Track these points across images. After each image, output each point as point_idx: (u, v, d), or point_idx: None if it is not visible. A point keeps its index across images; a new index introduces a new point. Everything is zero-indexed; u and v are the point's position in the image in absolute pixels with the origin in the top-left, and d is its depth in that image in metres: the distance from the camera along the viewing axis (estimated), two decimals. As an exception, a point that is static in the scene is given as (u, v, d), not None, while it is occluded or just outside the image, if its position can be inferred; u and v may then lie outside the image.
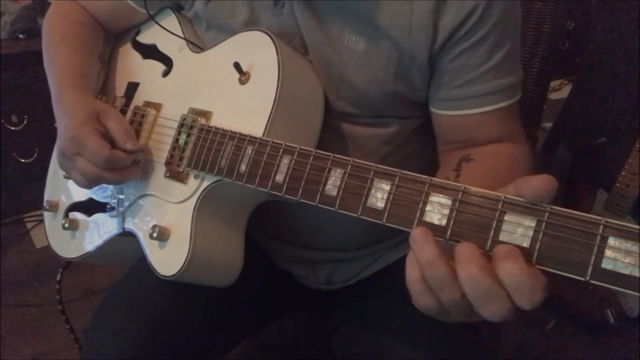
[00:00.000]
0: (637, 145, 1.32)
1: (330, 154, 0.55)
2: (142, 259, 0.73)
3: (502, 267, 0.41)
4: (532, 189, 0.42)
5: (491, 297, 0.42)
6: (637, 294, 0.38)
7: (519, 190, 0.43)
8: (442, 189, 0.47)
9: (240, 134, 0.63)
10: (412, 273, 0.46)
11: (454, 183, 0.47)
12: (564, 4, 0.95)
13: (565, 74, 2.72)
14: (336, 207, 0.53)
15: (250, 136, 0.62)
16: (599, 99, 1.74)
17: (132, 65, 0.87)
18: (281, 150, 0.59)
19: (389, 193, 0.49)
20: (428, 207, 0.47)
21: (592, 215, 0.41)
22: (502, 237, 0.43)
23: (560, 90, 2.71)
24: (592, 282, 0.40)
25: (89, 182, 0.71)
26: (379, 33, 0.66)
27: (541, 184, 0.42)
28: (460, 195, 0.46)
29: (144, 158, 0.76)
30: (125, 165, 0.71)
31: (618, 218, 1.37)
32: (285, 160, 0.58)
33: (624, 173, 1.35)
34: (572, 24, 2.46)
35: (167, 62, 0.81)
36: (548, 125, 2.07)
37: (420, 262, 0.45)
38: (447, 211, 0.46)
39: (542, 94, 1.00)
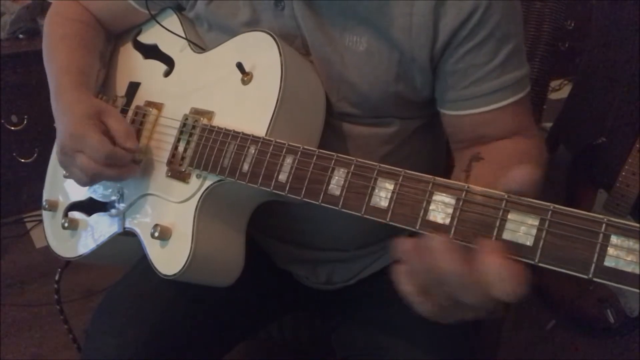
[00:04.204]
0: (637, 145, 1.32)
1: (333, 153, 0.55)
2: (142, 259, 0.73)
3: (486, 261, 0.42)
4: (517, 182, 0.44)
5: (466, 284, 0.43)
6: (639, 291, 0.39)
7: (506, 187, 0.45)
8: (445, 188, 0.47)
9: (243, 133, 0.63)
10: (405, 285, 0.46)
11: (457, 182, 0.47)
12: (564, 4, 0.95)
13: (565, 74, 2.72)
14: (339, 207, 0.53)
15: (253, 136, 0.62)
16: (599, 99, 1.73)
17: (133, 65, 0.87)
18: (284, 150, 0.59)
19: (393, 192, 0.49)
20: (432, 207, 0.47)
21: (594, 214, 0.41)
22: (506, 235, 0.44)
23: (560, 90, 2.71)
24: (594, 279, 0.40)
25: (89, 179, 0.71)
26: (380, 34, 0.66)
27: (522, 174, 0.44)
28: (463, 195, 0.46)
29: (145, 157, 0.76)
30: (125, 163, 0.71)
31: (618, 218, 1.37)
32: (289, 160, 0.58)
33: (624, 173, 1.35)
34: (572, 24, 2.46)
35: (169, 62, 0.81)
36: (548, 125, 2.07)
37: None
38: (450, 210, 0.46)
39: (542, 94, 0.99)
